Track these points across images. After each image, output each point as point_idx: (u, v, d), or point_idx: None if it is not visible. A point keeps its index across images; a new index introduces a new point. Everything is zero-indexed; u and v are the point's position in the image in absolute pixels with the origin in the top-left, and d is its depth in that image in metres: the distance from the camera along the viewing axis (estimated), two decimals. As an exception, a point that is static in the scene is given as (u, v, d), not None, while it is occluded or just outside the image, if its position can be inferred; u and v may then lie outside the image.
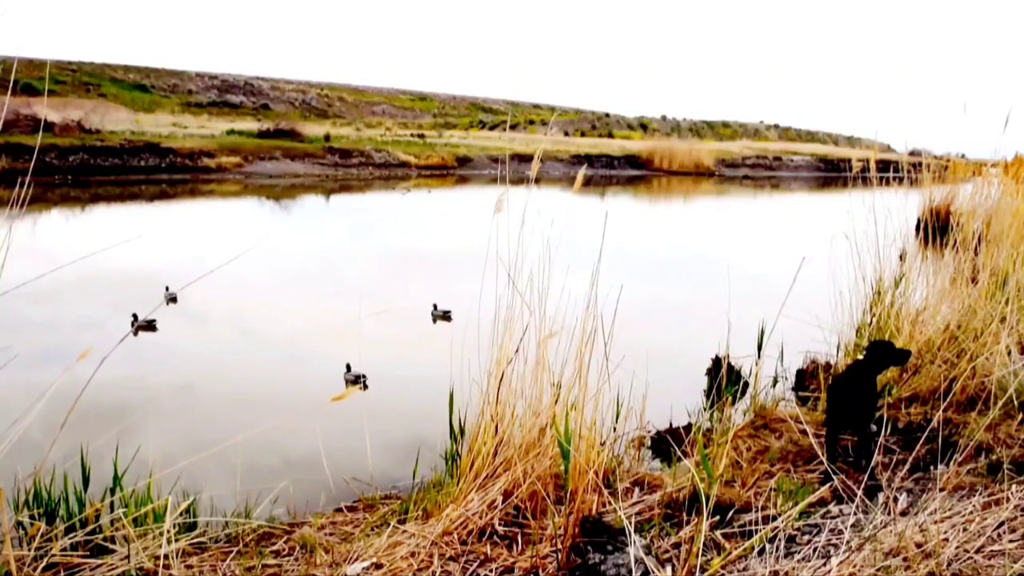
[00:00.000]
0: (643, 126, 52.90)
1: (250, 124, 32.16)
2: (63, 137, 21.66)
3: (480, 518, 2.76)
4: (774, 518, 2.62)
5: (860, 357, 3.34)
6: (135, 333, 5.97)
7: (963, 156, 12.23)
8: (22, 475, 2.72)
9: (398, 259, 10.74)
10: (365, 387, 5.05)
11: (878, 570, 2.12)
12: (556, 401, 2.96)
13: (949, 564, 2.15)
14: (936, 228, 5.87)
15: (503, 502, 2.83)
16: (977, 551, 2.22)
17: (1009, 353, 3.98)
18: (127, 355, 5.36)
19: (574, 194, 3.24)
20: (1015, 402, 3.57)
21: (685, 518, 2.75)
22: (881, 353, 3.30)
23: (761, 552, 2.44)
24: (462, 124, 48.85)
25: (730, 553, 2.41)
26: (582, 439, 2.81)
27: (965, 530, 2.34)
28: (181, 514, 2.68)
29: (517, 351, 3.02)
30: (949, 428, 3.63)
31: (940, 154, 11.76)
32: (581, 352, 2.94)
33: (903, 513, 2.67)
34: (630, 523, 2.52)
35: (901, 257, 5.32)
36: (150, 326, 6.16)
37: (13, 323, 6.15)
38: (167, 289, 7.12)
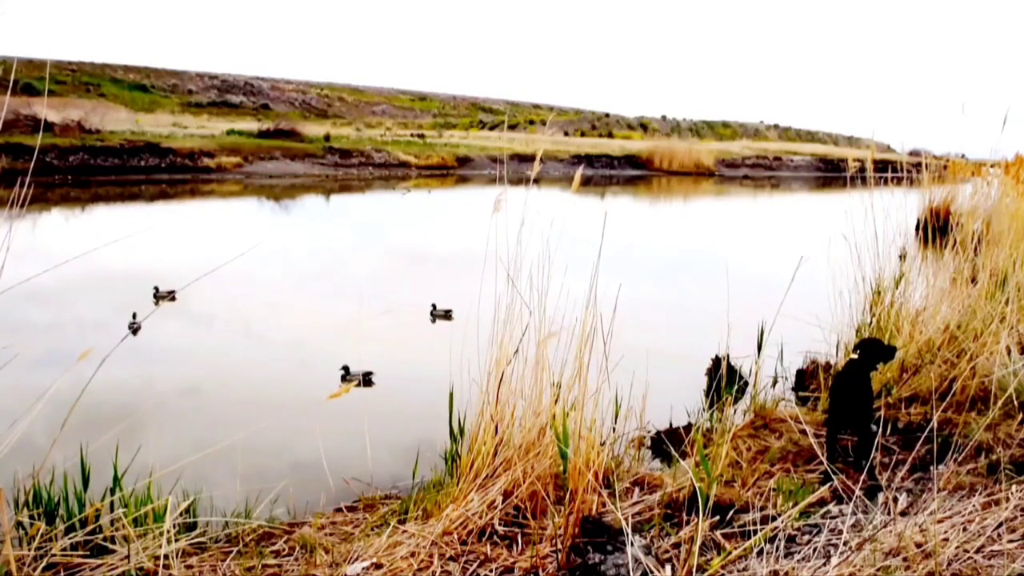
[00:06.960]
0: (643, 126, 52.87)
1: (250, 124, 32.15)
2: (63, 137, 21.65)
3: (480, 518, 2.76)
4: (774, 518, 2.62)
5: (853, 356, 3.36)
6: (134, 334, 5.97)
7: (963, 156, 12.24)
8: (22, 475, 2.72)
9: (398, 259, 10.74)
10: (371, 384, 5.08)
11: (878, 570, 2.12)
12: (556, 401, 2.96)
13: (949, 564, 2.15)
14: (936, 228, 5.86)
15: (503, 502, 2.83)
16: (977, 551, 2.22)
17: (1009, 353, 3.98)
18: (129, 355, 5.37)
19: (573, 194, 3.24)
20: (1015, 402, 3.57)
21: (685, 518, 2.75)
22: (872, 350, 3.38)
23: (761, 552, 2.44)
24: (462, 124, 48.85)
25: (730, 553, 2.41)
26: (582, 439, 2.81)
27: (965, 530, 2.34)
28: (181, 514, 2.68)
29: (517, 351, 3.02)
30: (949, 428, 3.63)
31: (940, 154, 11.77)
32: (581, 352, 2.94)
33: (903, 513, 2.67)
34: (630, 523, 2.52)
35: (901, 257, 5.32)
36: (132, 329, 6.11)
37: (14, 323, 6.15)
38: (156, 289, 7.11)
